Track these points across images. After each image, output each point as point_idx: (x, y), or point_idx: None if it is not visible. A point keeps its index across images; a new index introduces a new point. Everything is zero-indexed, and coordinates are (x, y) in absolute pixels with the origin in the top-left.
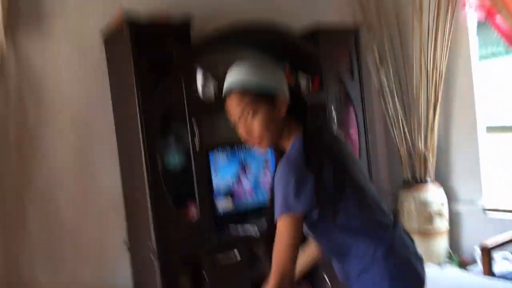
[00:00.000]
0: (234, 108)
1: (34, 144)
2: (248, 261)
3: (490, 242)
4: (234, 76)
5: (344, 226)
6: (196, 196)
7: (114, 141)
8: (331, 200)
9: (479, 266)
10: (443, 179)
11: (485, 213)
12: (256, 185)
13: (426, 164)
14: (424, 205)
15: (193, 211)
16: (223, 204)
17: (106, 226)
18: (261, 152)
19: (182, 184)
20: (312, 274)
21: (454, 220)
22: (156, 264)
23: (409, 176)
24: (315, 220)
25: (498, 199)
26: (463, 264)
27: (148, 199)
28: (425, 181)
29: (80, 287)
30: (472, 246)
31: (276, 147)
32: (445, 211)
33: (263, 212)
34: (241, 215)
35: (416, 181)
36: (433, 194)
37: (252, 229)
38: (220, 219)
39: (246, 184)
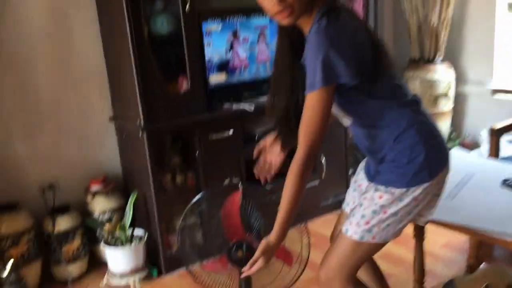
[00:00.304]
0: None
1: (6, 9)
2: (241, 137)
3: (500, 124)
4: None
5: (377, 95)
6: (187, 67)
7: (94, 4)
8: (368, 70)
9: (483, 149)
10: (453, 58)
11: (492, 96)
12: (251, 57)
13: (437, 40)
14: (430, 86)
15: (184, 84)
16: (215, 77)
17: (88, 97)
18: (284, 22)
19: (172, 55)
20: None
21: (459, 101)
22: (144, 140)
23: (417, 54)
24: (348, 91)
25: (508, 82)
26: (463, 147)
27: (134, 69)
28: (434, 61)
29: (64, 162)
30: (475, 129)
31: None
32: (451, 92)
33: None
34: (235, 89)
35: (424, 60)
36: (442, 74)
37: (246, 105)
38: (212, 93)
39: (241, 54)
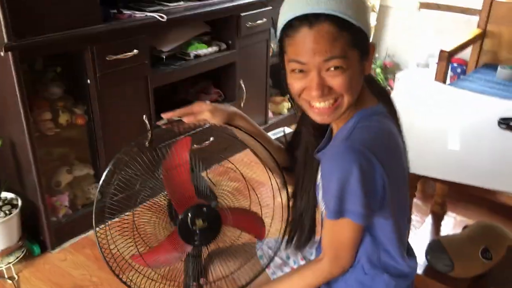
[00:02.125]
0: (317, 44)
1: None
2: (148, 58)
3: (450, 46)
4: None
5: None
6: None
7: None
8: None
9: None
10: None
11: (419, 10)
12: None
13: None
14: None
15: None
16: None
17: None
18: (322, 121)
19: None
20: None
21: (381, 15)
22: (10, 64)
23: None
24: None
25: None
26: (385, 68)
27: None
28: None
29: None
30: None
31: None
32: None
33: None
34: None
35: None
36: None
37: (155, 13)
38: None
39: None
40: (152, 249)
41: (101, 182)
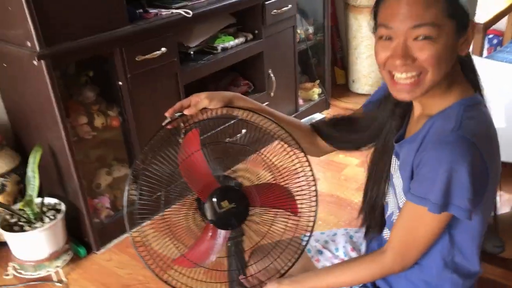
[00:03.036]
0: (410, 7)
1: None
2: (176, 55)
3: (484, 18)
4: None
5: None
6: None
7: None
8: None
9: None
10: None
11: None
12: None
13: None
14: None
15: None
16: None
17: None
18: (401, 98)
19: None
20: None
21: None
22: (43, 70)
23: None
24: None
25: None
26: None
27: None
28: None
29: None
30: None
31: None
32: None
33: None
34: None
35: None
36: None
37: (181, 10)
38: None
39: None
40: (191, 247)
41: (126, 190)
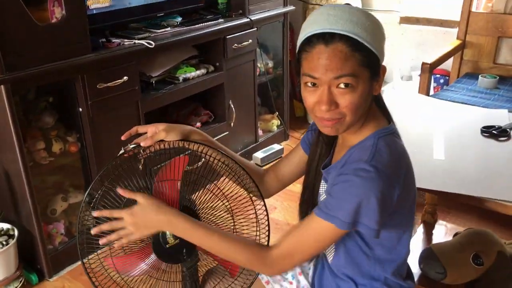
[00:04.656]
0: (330, 62)
1: None
2: (137, 83)
3: (431, 58)
4: (338, 17)
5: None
6: None
7: None
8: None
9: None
10: None
11: (399, 25)
12: None
13: None
14: None
15: (56, 11)
16: (96, 1)
17: None
18: (327, 132)
19: None
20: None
21: None
22: (3, 96)
23: None
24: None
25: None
26: None
27: None
28: None
29: None
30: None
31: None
32: None
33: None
34: (122, 18)
35: None
36: (349, 0)
37: (143, 41)
38: (92, 23)
39: None
40: (124, 255)
41: (78, 217)
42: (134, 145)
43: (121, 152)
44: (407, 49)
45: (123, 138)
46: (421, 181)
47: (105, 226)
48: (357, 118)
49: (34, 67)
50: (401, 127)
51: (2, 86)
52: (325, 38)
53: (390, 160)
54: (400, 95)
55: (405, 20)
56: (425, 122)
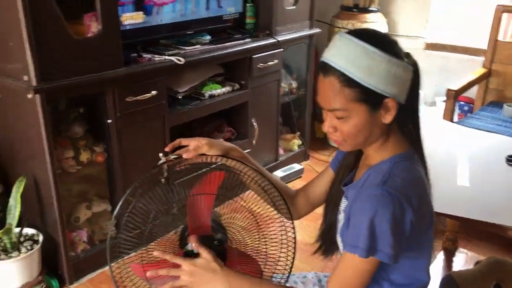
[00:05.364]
0: (324, 93)
1: None
2: (165, 98)
3: (456, 85)
4: (338, 49)
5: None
6: (97, 0)
7: None
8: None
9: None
10: (386, 9)
11: (424, 51)
12: None
13: None
14: None
15: (92, 26)
16: (130, 17)
17: None
18: (341, 149)
19: None
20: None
21: None
22: (37, 105)
23: (351, 1)
24: None
25: (442, 37)
26: None
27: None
28: (369, 9)
29: None
30: None
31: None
32: None
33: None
34: (154, 35)
35: (358, 8)
36: (375, 25)
37: (173, 57)
38: (125, 39)
39: None
40: (153, 263)
41: (116, 210)
42: (176, 156)
43: (162, 161)
44: (431, 75)
45: (167, 149)
46: (443, 207)
47: (163, 272)
48: (359, 142)
49: (68, 78)
50: (425, 152)
51: (37, 95)
52: (325, 68)
53: (403, 185)
54: (424, 120)
55: (431, 46)
56: (449, 148)
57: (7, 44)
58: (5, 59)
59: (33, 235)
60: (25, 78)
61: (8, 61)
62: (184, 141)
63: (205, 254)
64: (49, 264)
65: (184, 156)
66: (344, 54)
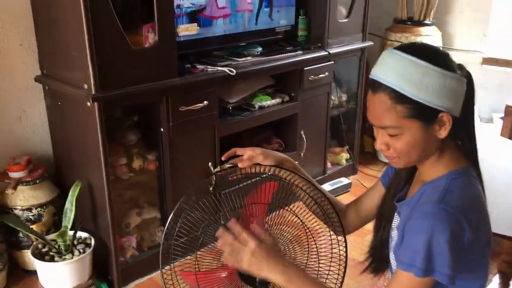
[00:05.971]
0: (375, 110)
1: None
2: (216, 109)
3: None
4: (388, 65)
5: None
6: (155, 11)
7: None
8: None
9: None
10: (442, 22)
11: (481, 65)
12: (232, 4)
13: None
14: None
15: (150, 36)
16: (185, 29)
17: (5, 48)
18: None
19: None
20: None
21: None
22: (95, 112)
23: (405, 14)
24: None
25: (500, 52)
26: None
27: (82, 10)
28: (424, 23)
29: None
30: None
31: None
32: None
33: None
34: (207, 46)
35: (412, 21)
36: (430, 38)
37: (225, 68)
38: (181, 48)
39: (221, 0)
40: (205, 271)
41: (165, 228)
42: (231, 165)
43: (216, 169)
44: (487, 90)
45: (223, 158)
46: (499, 226)
47: (229, 239)
48: (415, 158)
49: (125, 87)
50: (481, 169)
51: (95, 103)
52: (374, 85)
53: (461, 203)
54: (480, 137)
55: (488, 61)
56: (507, 166)
57: (70, 53)
58: (67, 68)
59: (85, 238)
60: (85, 86)
61: (70, 69)
62: (239, 151)
63: (269, 239)
64: (99, 268)
65: (239, 165)
66: (394, 70)
